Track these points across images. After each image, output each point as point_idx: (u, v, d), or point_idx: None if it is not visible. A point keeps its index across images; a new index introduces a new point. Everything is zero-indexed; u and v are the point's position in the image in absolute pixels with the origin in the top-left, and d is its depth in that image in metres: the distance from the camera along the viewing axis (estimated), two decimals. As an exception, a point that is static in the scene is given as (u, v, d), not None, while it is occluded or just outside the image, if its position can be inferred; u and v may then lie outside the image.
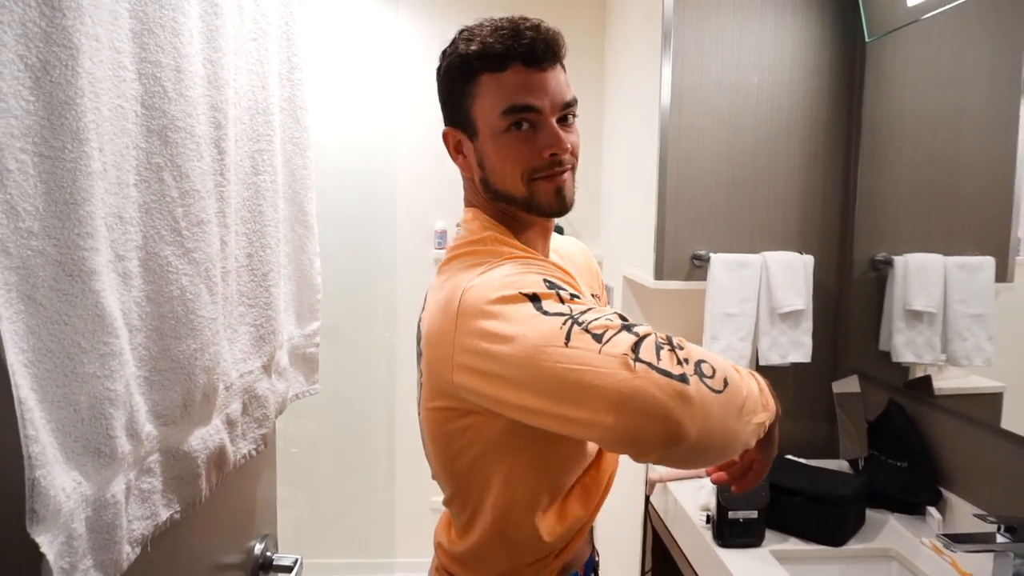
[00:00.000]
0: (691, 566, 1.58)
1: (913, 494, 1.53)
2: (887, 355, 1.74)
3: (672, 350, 0.69)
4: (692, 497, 1.61)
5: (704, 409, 0.66)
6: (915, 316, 1.68)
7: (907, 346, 1.70)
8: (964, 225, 1.54)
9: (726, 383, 0.69)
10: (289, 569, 0.97)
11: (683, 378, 0.66)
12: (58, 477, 0.50)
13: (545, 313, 0.72)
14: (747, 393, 0.72)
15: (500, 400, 0.75)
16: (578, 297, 0.76)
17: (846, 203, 1.90)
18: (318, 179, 1.10)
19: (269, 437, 0.90)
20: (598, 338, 0.68)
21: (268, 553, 0.98)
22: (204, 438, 0.72)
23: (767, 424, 0.77)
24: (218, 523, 0.86)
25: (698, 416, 0.66)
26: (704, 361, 0.70)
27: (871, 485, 1.55)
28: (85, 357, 0.53)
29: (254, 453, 0.85)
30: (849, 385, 1.72)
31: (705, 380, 0.68)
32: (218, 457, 0.75)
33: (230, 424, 0.79)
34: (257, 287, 0.87)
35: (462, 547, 0.92)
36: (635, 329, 0.70)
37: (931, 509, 1.49)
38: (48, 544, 0.49)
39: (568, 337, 0.69)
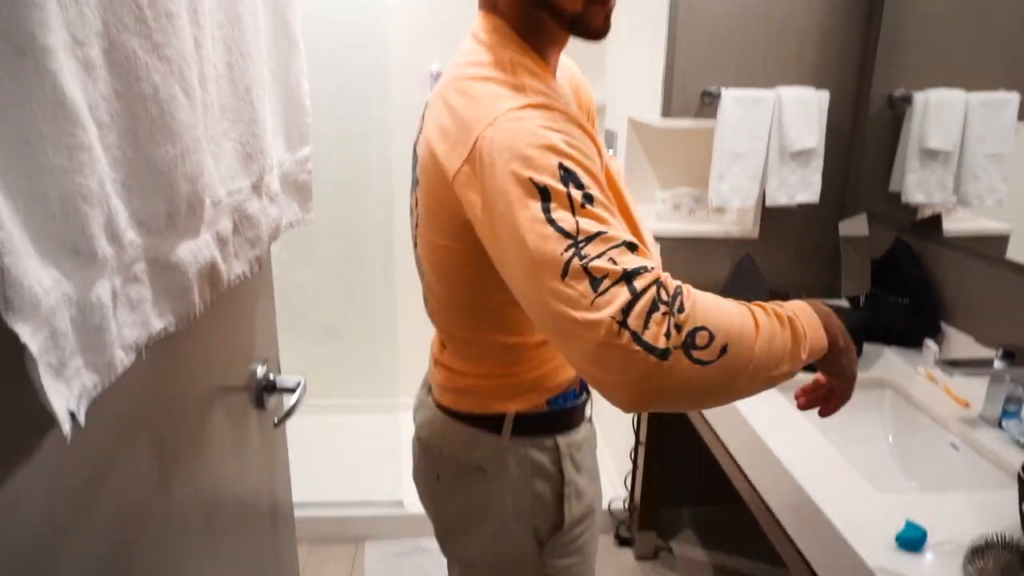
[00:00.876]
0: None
1: (912, 328, 1.54)
2: (897, 196, 1.70)
3: (667, 314, 0.65)
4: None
5: (677, 383, 0.66)
6: (930, 155, 1.62)
7: (918, 186, 1.65)
8: (992, 60, 1.45)
9: (723, 351, 0.67)
10: (292, 390, 0.99)
11: (664, 354, 0.64)
12: (32, 269, 0.47)
13: (551, 223, 0.68)
14: (757, 355, 0.69)
15: (494, 258, 0.76)
16: (589, 194, 0.70)
17: (868, 36, 1.79)
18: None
19: (263, 260, 0.88)
20: (595, 284, 0.66)
21: (271, 376, 0.99)
22: (193, 251, 0.69)
23: (800, 366, 0.75)
24: (217, 345, 0.85)
25: (667, 389, 0.66)
26: (702, 329, 0.66)
27: (871, 320, 1.55)
28: (48, 146, 0.49)
29: (248, 274, 0.83)
30: (856, 224, 1.69)
31: (693, 352, 0.66)
32: (210, 273, 0.73)
33: (221, 241, 0.76)
34: (239, 101, 0.81)
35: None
36: (635, 282, 0.66)
37: (928, 341, 1.51)
38: (30, 336, 0.47)
39: (565, 272, 0.66)
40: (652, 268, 0.67)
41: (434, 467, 1.00)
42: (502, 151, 0.71)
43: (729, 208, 1.87)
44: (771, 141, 1.72)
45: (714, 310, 0.68)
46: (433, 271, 0.93)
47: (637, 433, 2.12)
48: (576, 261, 0.66)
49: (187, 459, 0.79)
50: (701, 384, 0.67)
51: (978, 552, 0.89)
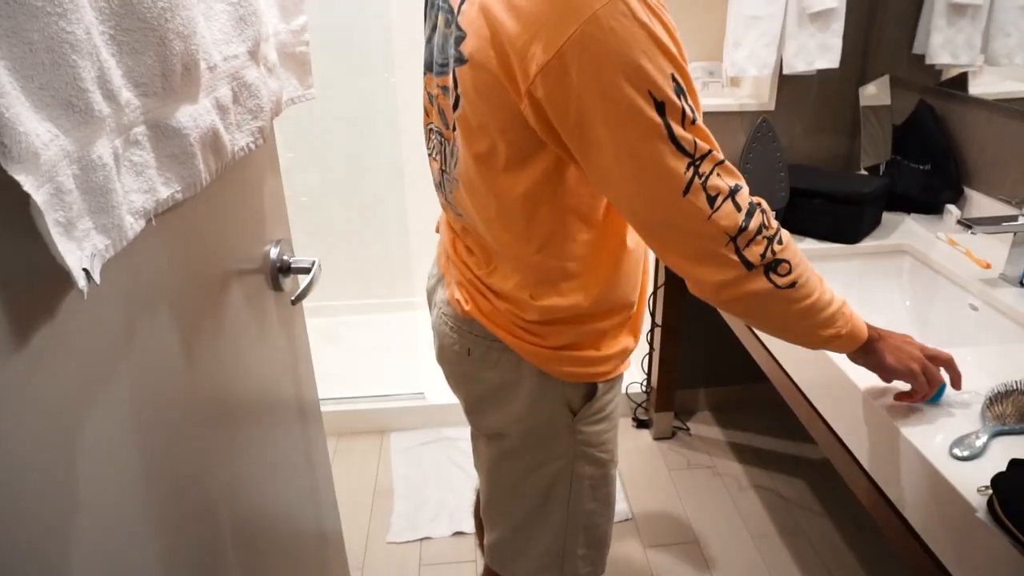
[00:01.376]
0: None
1: (934, 193, 1.51)
2: (920, 58, 1.62)
3: (768, 240, 0.77)
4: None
5: (751, 293, 0.79)
6: (957, 11, 1.53)
7: (944, 46, 1.57)
8: None
9: (793, 284, 0.79)
10: (307, 270, 0.98)
11: (752, 267, 0.77)
12: (25, 118, 0.45)
13: (672, 140, 0.71)
14: (816, 300, 0.81)
15: (585, 159, 0.76)
16: (694, 106, 0.73)
17: None
18: None
19: (267, 133, 0.85)
20: (711, 201, 0.74)
21: (285, 257, 0.98)
22: (194, 116, 0.67)
23: (840, 344, 0.86)
24: (229, 223, 0.84)
25: (742, 295, 0.79)
26: (786, 261, 0.78)
27: (891, 188, 1.52)
28: (27, -14, 0.46)
29: (252, 146, 0.81)
30: (877, 90, 1.62)
31: (771, 275, 0.78)
32: (213, 140, 0.71)
33: (221, 109, 0.73)
34: (227, -40, 0.77)
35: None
36: (738, 199, 0.75)
37: (950, 207, 1.47)
38: (33, 188, 0.45)
39: (687, 189, 0.73)
40: (743, 186, 0.76)
41: (465, 342, 1.01)
42: (611, 56, 0.68)
43: (745, 78, 1.80)
44: (789, 2, 1.63)
45: (798, 252, 0.80)
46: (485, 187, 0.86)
47: (653, 316, 2.13)
48: (697, 180, 0.73)
49: (209, 338, 0.79)
50: (766, 300, 0.79)
51: (997, 398, 0.89)
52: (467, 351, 1.00)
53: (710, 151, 0.73)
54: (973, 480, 0.78)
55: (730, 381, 2.38)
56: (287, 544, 1.10)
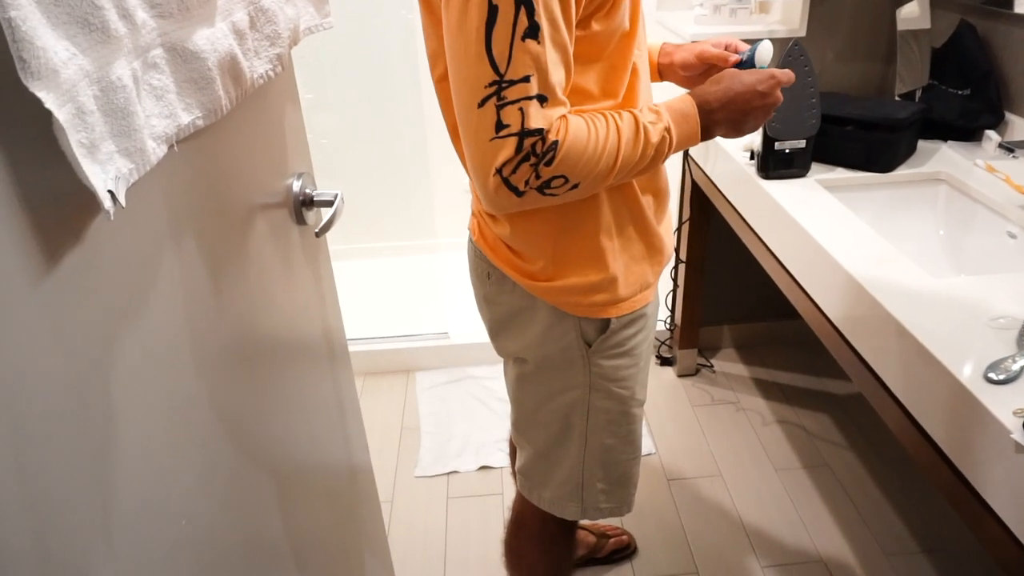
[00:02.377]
0: (733, 206, 1.58)
1: (972, 119, 1.45)
2: (962, -25, 1.54)
3: (534, 166, 0.78)
4: (735, 141, 1.56)
5: (525, 204, 0.82)
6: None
7: (988, -39, 1.49)
8: None
9: (574, 187, 0.81)
10: (330, 203, 0.97)
11: (520, 192, 0.80)
12: (43, 33, 0.44)
13: (488, 49, 0.74)
14: (619, 165, 0.82)
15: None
16: (536, 24, 0.73)
17: None
18: None
19: (285, 61, 0.83)
20: (498, 128, 0.76)
21: (307, 190, 0.98)
22: (211, 40, 0.65)
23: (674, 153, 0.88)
24: (250, 154, 0.83)
25: (517, 207, 0.83)
26: (560, 176, 0.80)
27: (927, 114, 1.46)
28: None
29: (271, 74, 0.79)
30: (916, 11, 1.55)
31: (546, 191, 0.81)
32: (231, 66, 0.69)
33: (238, 34, 0.72)
34: None
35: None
36: (525, 140, 0.76)
37: (989, 132, 1.42)
38: (56, 106, 0.45)
39: (482, 103, 0.76)
40: (545, 130, 0.77)
41: (484, 266, 1.01)
42: None
43: (774, 3, 1.73)
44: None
45: (579, 161, 0.80)
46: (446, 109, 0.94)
47: (677, 252, 2.11)
48: (493, 100, 0.75)
49: (236, 270, 0.79)
50: (546, 204, 0.84)
51: (1036, 323, 0.87)
52: (487, 275, 1.02)
53: (525, 79, 0.74)
54: (1009, 403, 0.77)
55: (755, 318, 2.36)
56: (319, 478, 1.13)
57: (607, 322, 0.98)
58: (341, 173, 2.75)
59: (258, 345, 0.87)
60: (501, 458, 1.93)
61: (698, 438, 2.00)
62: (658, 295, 1.06)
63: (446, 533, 1.72)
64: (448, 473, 1.90)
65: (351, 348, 2.31)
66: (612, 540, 1.64)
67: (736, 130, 0.90)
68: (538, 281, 0.95)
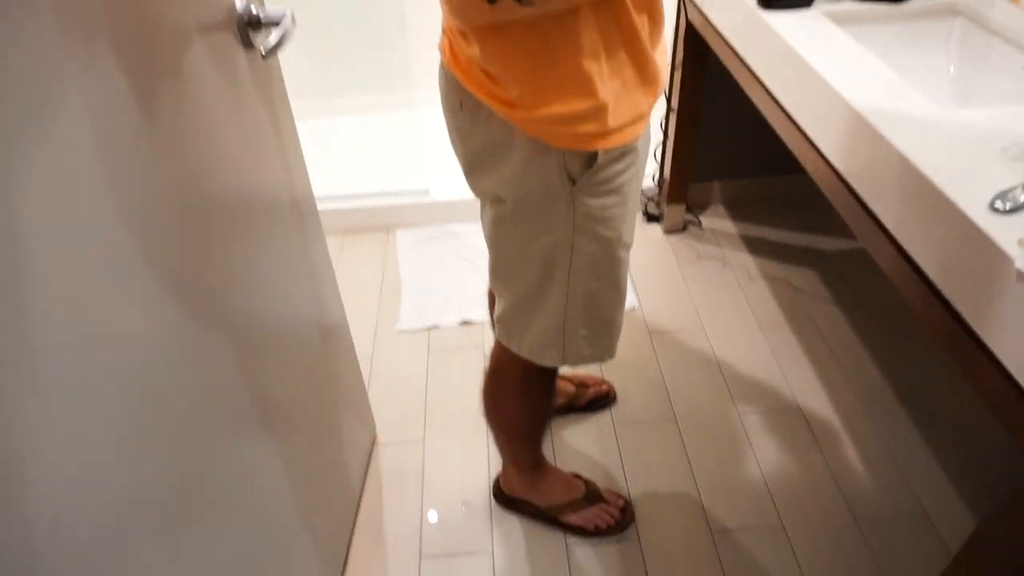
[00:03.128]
0: (731, 47, 1.46)
1: (999, -60, 1.31)
2: None
3: None
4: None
5: (490, 14, 0.78)
6: None
7: None
8: None
9: None
10: (277, 22, 0.87)
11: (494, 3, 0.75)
12: None
13: None
14: None
15: None
16: None
17: None
18: None
19: None
20: None
21: (253, 9, 0.87)
22: None
23: None
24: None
25: (481, 18, 0.79)
26: None
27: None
28: None
29: None
30: None
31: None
32: None
33: None
34: None
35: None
36: None
37: (1017, -44, 1.29)
38: None
39: None
40: None
41: (456, 94, 0.92)
42: None
43: None
44: None
45: None
46: None
47: (668, 99, 2.00)
48: None
49: (170, 95, 0.71)
50: (522, 15, 0.77)
51: (1050, 151, 0.81)
52: (459, 104, 0.92)
53: None
54: (1014, 233, 0.71)
55: (747, 174, 2.28)
56: (289, 335, 1.09)
57: (594, 156, 0.90)
58: (313, 28, 2.55)
59: (205, 188, 0.79)
60: (483, 313, 1.91)
61: (683, 294, 1.98)
62: (649, 128, 0.97)
63: (426, 386, 1.73)
64: (429, 328, 1.89)
65: (329, 206, 2.25)
66: (592, 390, 1.65)
67: None
68: (517, 110, 0.86)
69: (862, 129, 0.97)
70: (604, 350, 1.10)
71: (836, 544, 1.37)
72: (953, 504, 1.43)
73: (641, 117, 0.91)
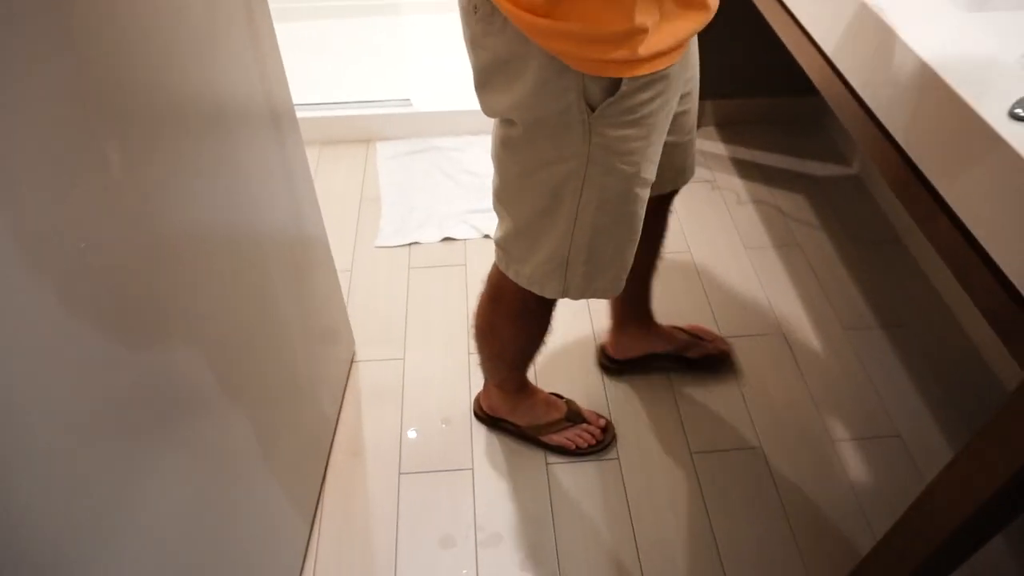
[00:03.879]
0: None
1: None
2: None
3: None
4: None
5: None
6: None
7: None
8: None
9: None
10: None
11: None
12: None
13: None
14: None
15: None
16: None
17: None
18: None
19: None
20: None
21: None
22: None
23: None
24: None
25: None
26: None
27: None
28: None
29: None
30: None
31: None
32: None
33: None
34: None
35: None
36: None
37: None
38: None
39: None
40: None
41: None
42: None
43: None
44: None
45: None
46: None
47: (665, 11, 1.90)
48: None
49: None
50: None
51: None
52: (474, 7, 0.82)
53: None
54: (1034, 142, 0.67)
55: (741, 93, 2.21)
56: (267, 247, 1.04)
57: (618, 82, 0.81)
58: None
59: (175, 103, 0.72)
60: (465, 230, 1.86)
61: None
62: (690, 51, 0.87)
63: (407, 303, 1.69)
64: (410, 244, 1.83)
65: (306, 114, 2.14)
66: (710, 344, 1.55)
67: None
68: (537, 18, 0.75)
69: (874, 30, 0.91)
70: (608, 287, 1.03)
71: (813, 465, 1.38)
72: (930, 433, 1.44)
73: (679, 46, 0.82)
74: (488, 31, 0.82)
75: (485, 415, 1.43)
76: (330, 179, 2.04)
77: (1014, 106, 0.71)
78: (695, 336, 1.55)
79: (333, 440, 1.42)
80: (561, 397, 1.44)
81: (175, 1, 0.74)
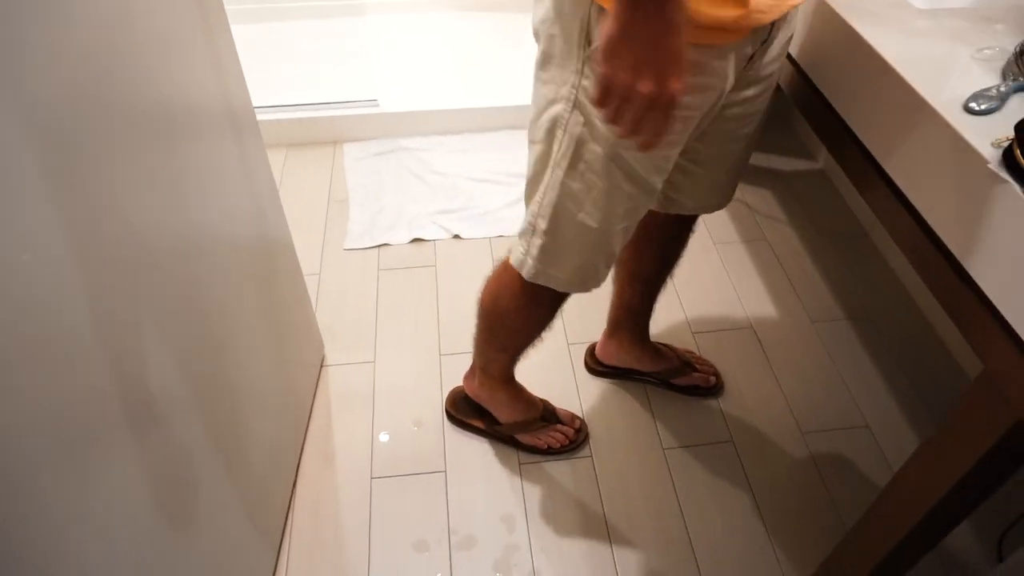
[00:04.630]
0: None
1: None
2: None
3: None
4: None
5: None
6: None
7: None
8: None
9: None
10: None
11: None
12: None
13: None
14: None
15: None
16: None
17: None
18: None
19: None
20: None
21: None
22: None
23: None
24: None
25: None
26: None
27: None
28: None
29: None
30: None
31: None
32: None
33: None
34: None
35: None
36: None
37: None
38: None
39: None
40: None
41: None
42: None
43: None
44: None
45: None
46: None
47: None
48: None
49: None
50: None
51: (1026, 52, 0.77)
52: None
53: None
54: (988, 135, 0.68)
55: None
56: (229, 254, 1.02)
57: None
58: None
59: (121, 94, 0.70)
60: (435, 231, 1.85)
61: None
62: (736, 53, 0.79)
63: (377, 306, 1.68)
64: (379, 246, 1.82)
65: (270, 116, 2.12)
66: (697, 374, 1.50)
67: (625, 45, 0.63)
68: None
69: (832, 21, 0.91)
70: (570, 279, 0.97)
71: (784, 457, 1.40)
72: (898, 423, 1.46)
73: (704, 22, 0.73)
74: None
75: (457, 416, 1.42)
76: (298, 182, 2.01)
77: (968, 100, 0.72)
78: (685, 363, 1.50)
79: (303, 447, 1.40)
80: (535, 397, 1.44)
81: (123, 5, 0.72)
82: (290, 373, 1.33)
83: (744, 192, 2.01)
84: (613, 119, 0.69)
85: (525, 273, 1.00)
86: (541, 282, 1.00)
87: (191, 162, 0.89)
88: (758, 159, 2.12)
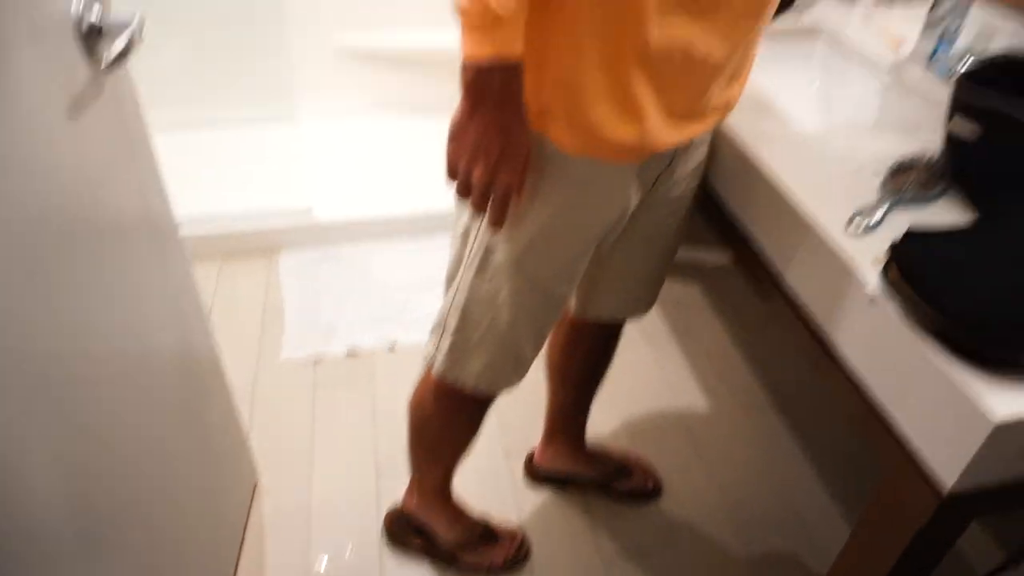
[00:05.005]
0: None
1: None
2: None
3: None
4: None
5: None
6: None
7: None
8: None
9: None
10: (125, 25, 0.78)
11: None
12: None
13: None
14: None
15: None
16: None
17: None
18: None
19: None
20: None
21: (93, 17, 0.78)
22: None
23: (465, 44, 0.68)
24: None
25: None
26: None
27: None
28: None
29: None
30: None
31: None
32: None
33: None
34: None
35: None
36: None
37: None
38: None
39: None
40: None
41: None
42: None
43: None
44: None
45: None
46: None
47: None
48: None
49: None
50: None
51: (900, 170, 0.84)
52: None
53: None
54: (870, 253, 0.73)
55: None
56: (150, 379, 0.99)
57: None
58: (179, 31, 2.40)
59: (42, 220, 0.70)
60: (372, 339, 1.84)
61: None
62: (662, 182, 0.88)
63: (313, 423, 1.64)
64: (315, 360, 1.79)
65: (201, 229, 2.10)
66: (634, 479, 1.50)
67: (472, 127, 0.73)
68: None
69: (729, 146, 0.98)
70: (482, 377, 0.97)
71: (723, 559, 1.39)
72: (828, 509, 1.48)
73: (598, 142, 0.77)
74: None
75: (397, 533, 1.38)
76: (232, 294, 1.99)
77: (850, 220, 0.78)
78: (625, 466, 1.50)
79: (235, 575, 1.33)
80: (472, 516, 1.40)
81: (32, 125, 0.72)
82: (219, 500, 1.28)
83: (669, 287, 2.08)
84: (460, 195, 0.77)
85: (435, 371, 1.00)
86: (449, 381, 1.00)
87: (108, 277, 0.86)
88: (681, 255, 2.21)
